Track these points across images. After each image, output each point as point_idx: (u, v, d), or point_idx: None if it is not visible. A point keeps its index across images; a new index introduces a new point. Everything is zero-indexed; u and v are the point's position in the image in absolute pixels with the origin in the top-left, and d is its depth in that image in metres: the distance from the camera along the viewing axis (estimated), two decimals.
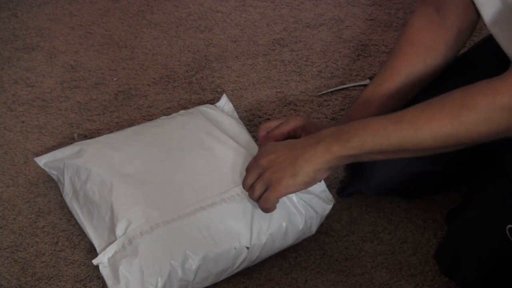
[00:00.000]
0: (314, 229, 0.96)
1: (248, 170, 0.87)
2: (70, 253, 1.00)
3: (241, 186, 0.91)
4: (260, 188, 0.84)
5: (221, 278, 0.92)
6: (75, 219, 1.05)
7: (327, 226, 1.02)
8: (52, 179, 1.11)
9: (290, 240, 0.94)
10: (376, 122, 0.78)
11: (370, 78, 1.36)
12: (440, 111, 0.74)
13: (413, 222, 1.04)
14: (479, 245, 0.79)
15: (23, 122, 1.28)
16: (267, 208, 0.86)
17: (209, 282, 0.91)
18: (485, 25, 0.90)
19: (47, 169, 1.04)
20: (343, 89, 1.35)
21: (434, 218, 1.05)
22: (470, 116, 0.72)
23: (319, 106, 1.30)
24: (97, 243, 0.91)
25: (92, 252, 1.00)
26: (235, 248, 0.89)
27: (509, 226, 0.76)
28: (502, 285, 0.79)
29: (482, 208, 0.82)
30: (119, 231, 0.88)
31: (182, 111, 1.11)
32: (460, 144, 0.75)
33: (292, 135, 0.93)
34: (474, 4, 0.92)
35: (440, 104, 0.74)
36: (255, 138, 1.07)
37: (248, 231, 0.89)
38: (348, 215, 1.06)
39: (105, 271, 0.87)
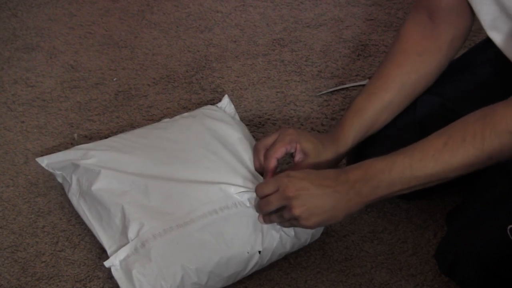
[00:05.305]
0: (321, 228, 0.96)
1: (270, 199, 0.85)
2: (70, 253, 1.00)
3: (251, 191, 0.91)
4: (278, 219, 0.87)
5: (232, 281, 0.92)
6: (75, 219, 1.05)
7: (327, 226, 1.02)
8: (52, 179, 1.11)
9: (301, 241, 0.94)
10: (400, 162, 0.80)
11: (370, 78, 1.36)
12: (462, 144, 0.76)
13: (413, 222, 1.04)
14: (479, 245, 0.79)
15: (23, 122, 1.28)
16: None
17: (221, 285, 0.90)
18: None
19: (50, 169, 1.03)
20: (343, 89, 1.35)
21: (434, 218, 1.05)
22: (494, 145, 0.74)
23: (319, 106, 1.30)
24: (107, 244, 0.90)
25: (93, 252, 1.00)
26: (248, 253, 0.89)
27: (510, 226, 0.76)
28: (502, 285, 0.79)
29: (482, 208, 0.82)
30: (131, 233, 0.88)
31: (185, 114, 1.10)
32: (486, 166, 0.78)
33: (288, 149, 0.93)
34: (467, 11, 0.92)
35: (461, 136, 0.76)
36: (256, 139, 1.07)
37: (260, 234, 0.89)
38: None
39: (117, 274, 0.86)
